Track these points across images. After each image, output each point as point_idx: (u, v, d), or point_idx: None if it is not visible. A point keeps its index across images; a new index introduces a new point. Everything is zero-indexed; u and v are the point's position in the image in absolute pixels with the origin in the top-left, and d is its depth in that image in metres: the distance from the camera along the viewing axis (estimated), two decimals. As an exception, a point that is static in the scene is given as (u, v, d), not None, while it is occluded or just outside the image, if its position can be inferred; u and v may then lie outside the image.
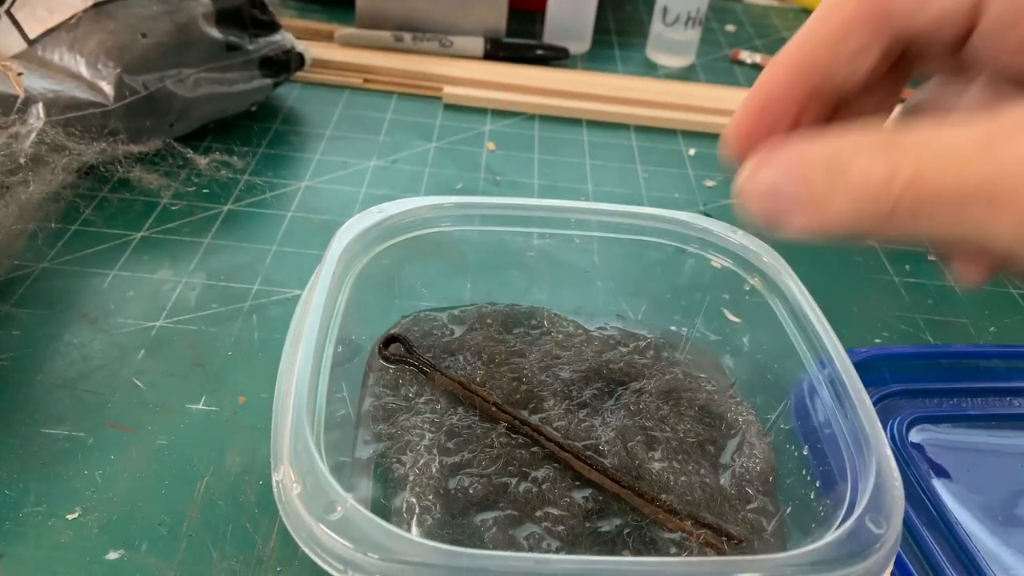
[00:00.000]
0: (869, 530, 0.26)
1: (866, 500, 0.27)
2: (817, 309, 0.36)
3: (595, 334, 0.42)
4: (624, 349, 0.41)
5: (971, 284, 0.24)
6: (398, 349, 0.39)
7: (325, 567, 0.25)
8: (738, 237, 0.39)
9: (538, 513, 0.32)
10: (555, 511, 0.33)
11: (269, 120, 0.63)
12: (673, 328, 0.43)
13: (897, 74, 0.24)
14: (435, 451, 0.34)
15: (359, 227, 0.38)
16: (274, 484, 0.27)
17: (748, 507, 0.34)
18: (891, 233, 0.19)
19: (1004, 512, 0.38)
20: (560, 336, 0.41)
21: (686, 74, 0.80)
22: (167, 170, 0.53)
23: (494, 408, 0.36)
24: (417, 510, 0.32)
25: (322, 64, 0.70)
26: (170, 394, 0.39)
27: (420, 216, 0.40)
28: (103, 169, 0.49)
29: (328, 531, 0.25)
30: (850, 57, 0.21)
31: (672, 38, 0.80)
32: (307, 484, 0.26)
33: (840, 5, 0.21)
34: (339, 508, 0.26)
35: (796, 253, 0.55)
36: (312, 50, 0.69)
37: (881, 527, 0.26)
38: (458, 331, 0.41)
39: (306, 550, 0.26)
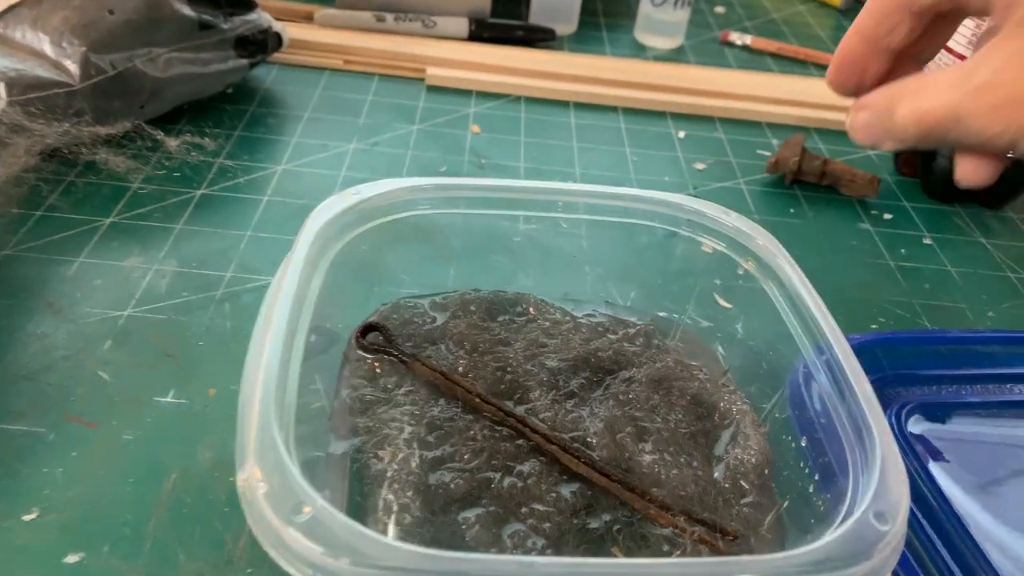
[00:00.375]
0: (874, 527, 0.25)
1: (870, 495, 0.26)
2: (814, 292, 0.34)
3: (583, 321, 0.40)
4: (613, 336, 0.39)
5: (975, 180, 0.34)
6: (376, 338, 0.37)
7: (293, 572, 0.23)
8: (731, 219, 0.38)
9: (523, 510, 0.31)
10: (541, 507, 0.31)
11: (246, 102, 0.61)
12: (663, 314, 0.42)
13: (938, 29, 0.35)
14: (415, 445, 0.32)
15: (333, 210, 0.36)
16: (239, 483, 0.25)
17: (743, 501, 0.32)
18: (925, 140, 0.32)
19: (1007, 503, 0.37)
20: (546, 323, 0.39)
21: (675, 56, 0.79)
22: (136, 153, 0.51)
23: (477, 399, 0.34)
24: (395, 508, 0.30)
25: (301, 45, 0.68)
26: (137, 386, 0.38)
27: (399, 199, 0.38)
28: (68, 152, 0.47)
29: (296, 533, 0.23)
30: (888, 30, 0.33)
31: (661, 19, 0.78)
32: (274, 483, 0.24)
33: (873, 2, 0.34)
34: (308, 508, 0.24)
35: (789, 236, 0.54)
36: (291, 31, 0.66)
37: (886, 524, 0.25)
38: (440, 319, 0.39)
39: (273, 554, 0.24)
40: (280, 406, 0.27)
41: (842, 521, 0.26)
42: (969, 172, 0.37)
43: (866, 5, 0.34)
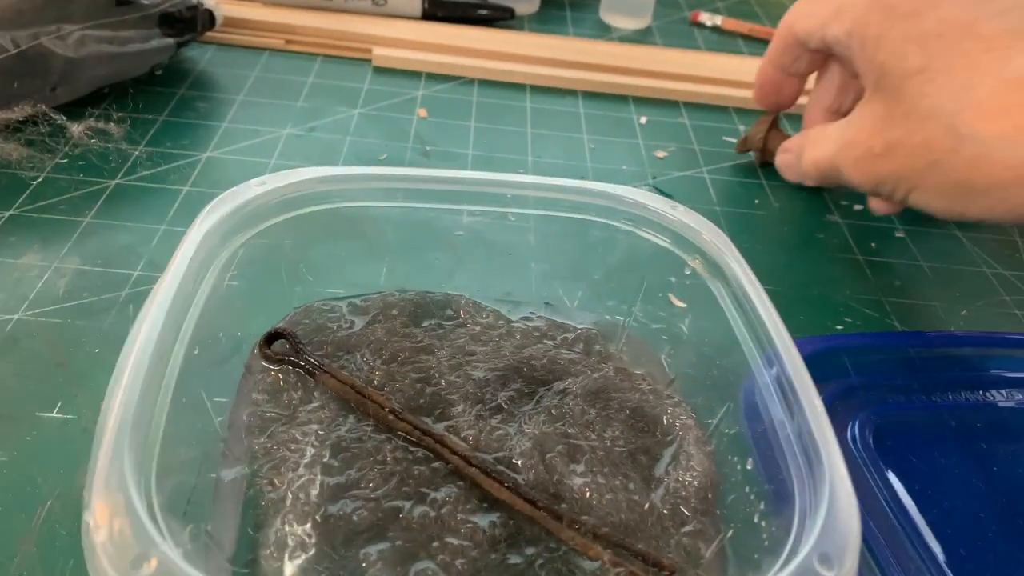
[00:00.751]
0: (817, 573, 0.22)
1: (816, 534, 0.22)
2: (764, 295, 0.31)
3: (518, 325, 0.37)
4: (549, 343, 0.36)
5: (882, 212, 0.44)
6: (283, 347, 0.33)
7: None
8: (677, 213, 0.34)
9: (434, 544, 0.27)
10: (455, 540, 0.27)
11: (175, 85, 0.57)
12: (608, 317, 0.38)
13: (847, 83, 0.44)
14: (316, 470, 0.29)
15: (233, 203, 0.32)
16: (82, 527, 0.21)
17: (683, 530, 0.29)
18: (825, 183, 0.41)
19: (976, 524, 0.33)
20: (477, 328, 0.36)
21: (642, 37, 0.75)
22: (34, 140, 0.47)
23: (391, 416, 0.31)
24: (289, 543, 0.27)
25: (241, 24, 0.64)
26: (18, 400, 0.34)
27: (314, 190, 0.35)
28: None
29: (136, 592, 0.20)
30: (792, 60, 0.43)
31: (627, -2, 0.75)
32: (115, 528, 0.21)
33: (777, 37, 0.44)
34: (153, 561, 0.20)
35: (752, 229, 0.50)
36: (228, 8, 0.62)
37: (832, 568, 0.22)
38: (358, 324, 0.36)
39: (113, 615, 0.20)
40: (141, 434, 0.24)
41: (785, 562, 0.23)
42: (875, 206, 0.45)
43: (773, 39, 0.41)
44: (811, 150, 0.39)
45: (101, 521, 0.21)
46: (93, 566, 0.21)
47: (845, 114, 0.41)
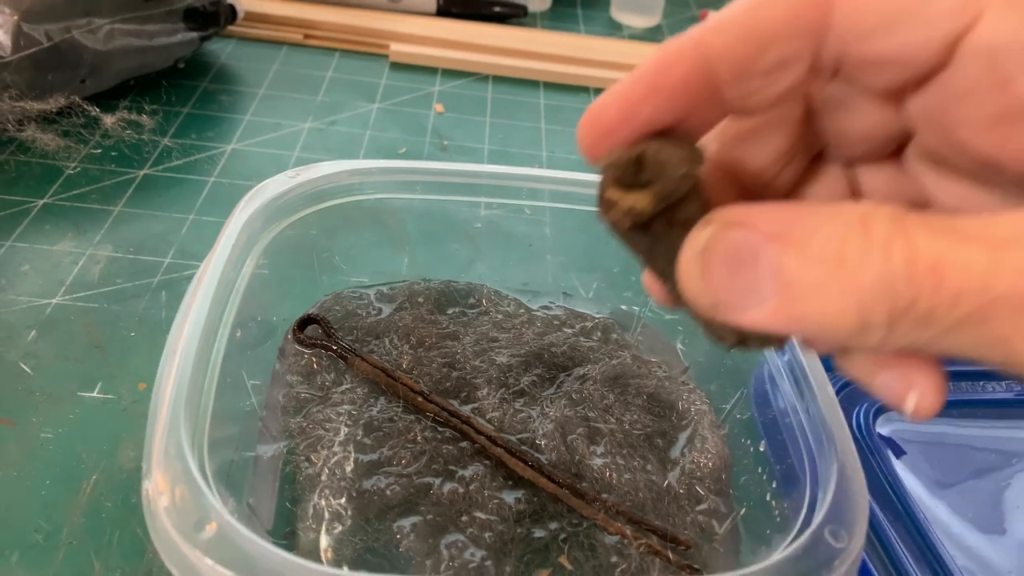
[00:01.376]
0: (828, 544, 0.23)
1: (826, 509, 0.24)
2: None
3: (538, 314, 0.38)
4: (569, 331, 0.37)
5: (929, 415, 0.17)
6: (315, 331, 0.35)
7: (195, 595, 0.21)
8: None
9: (463, 518, 0.29)
10: (482, 515, 0.29)
11: (198, 78, 0.58)
12: (624, 307, 0.40)
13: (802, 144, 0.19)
14: (350, 447, 0.30)
15: (269, 193, 0.34)
16: (143, 494, 0.23)
17: (698, 508, 0.30)
18: (887, 342, 0.14)
19: (975, 506, 0.35)
20: (499, 316, 0.37)
21: (652, 35, 0.76)
22: (69, 130, 0.48)
23: (420, 398, 0.32)
24: (326, 516, 0.28)
25: (260, 18, 0.65)
26: (61, 380, 0.35)
27: (343, 181, 0.36)
28: (-5, 128, 0.44)
29: (198, 552, 0.21)
30: (772, 64, 0.16)
31: (637, -4, 0.76)
32: (176, 494, 0.22)
33: (777, 2, 0.16)
34: (213, 524, 0.22)
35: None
36: (249, 3, 0.63)
37: (842, 541, 0.23)
38: (386, 310, 0.37)
39: (175, 573, 0.22)
40: (194, 408, 0.25)
41: (797, 535, 0.24)
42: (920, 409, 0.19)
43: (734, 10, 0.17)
44: (942, 242, 0.13)
45: (163, 488, 0.22)
46: (156, 529, 0.22)
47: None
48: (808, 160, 0.20)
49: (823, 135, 0.19)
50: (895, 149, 0.19)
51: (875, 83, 0.16)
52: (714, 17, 0.17)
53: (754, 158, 0.19)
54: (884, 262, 0.13)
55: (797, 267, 0.14)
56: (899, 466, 0.36)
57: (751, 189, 0.20)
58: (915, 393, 0.17)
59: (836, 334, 0.14)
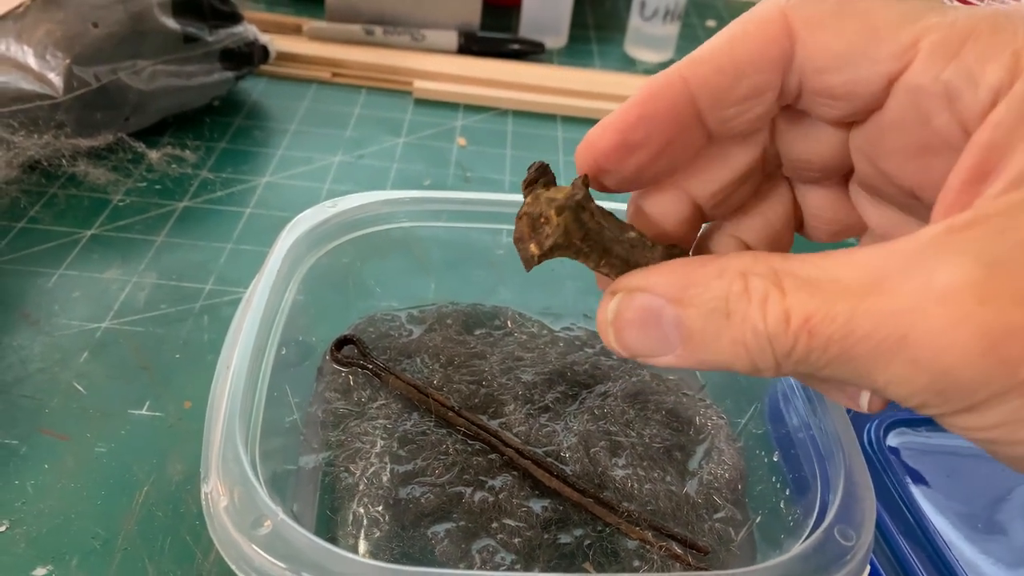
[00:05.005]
0: (838, 542, 0.25)
1: (835, 510, 0.26)
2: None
3: (560, 335, 0.40)
4: (590, 350, 0.39)
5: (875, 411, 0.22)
6: (351, 351, 0.37)
7: (253, 586, 0.23)
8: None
9: (494, 524, 0.31)
10: (512, 522, 0.31)
11: (232, 114, 0.61)
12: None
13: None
14: (386, 459, 0.32)
15: (310, 222, 0.36)
16: (202, 497, 0.25)
17: (716, 516, 0.32)
18: (778, 375, 0.17)
19: (984, 519, 0.36)
20: (523, 337, 0.39)
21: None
22: (118, 165, 0.51)
23: (451, 413, 0.34)
24: (365, 522, 0.30)
25: (290, 58, 0.68)
26: (112, 399, 0.37)
27: (377, 211, 0.38)
28: (49, 164, 0.47)
29: (256, 548, 0.23)
30: (746, 93, 0.18)
31: (650, 33, 0.79)
32: (235, 496, 0.24)
33: (749, 34, 0.18)
34: (268, 523, 0.24)
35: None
36: (279, 43, 0.67)
37: (850, 539, 0.25)
38: (416, 332, 0.39)
39: (234, 568, 0.24)
40: (246, 420, 0.27)
41: (808, 536, 0.26)
42: (872, 406, 0.24)
43: (724, 38, 0.19)
44: (809, 297, 0.16)
45: (222, 491, 0.24)
46: (215, 528, 0.24)
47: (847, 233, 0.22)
48: (762, 178, 0.22)
49: (781, 158, 0.21)
50: (842, 177, 0.22)
51: (828, 115, 0.19)
52: (695, 52, 0.19)
53: (715, 180, 0.21)
54: (762, 320, 0.16)
55: (693, 322, 0.17)
56: (909, 480, 0.37)
57: (707, 207, 0.22)
58: (866, 393, 0.20)
59: (736, 370, 0.17)
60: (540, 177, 0.21)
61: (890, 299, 0.15)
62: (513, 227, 0.21)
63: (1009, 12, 0.16)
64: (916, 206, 0.19)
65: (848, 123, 0.19)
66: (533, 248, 0.20)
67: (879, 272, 0.15)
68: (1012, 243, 0.14)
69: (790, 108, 0.19)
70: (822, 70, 0.18)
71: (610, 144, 0.20)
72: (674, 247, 0.21)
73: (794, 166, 0.22)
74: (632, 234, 0.20)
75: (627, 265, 0.20)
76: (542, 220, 0.20)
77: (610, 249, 0.20)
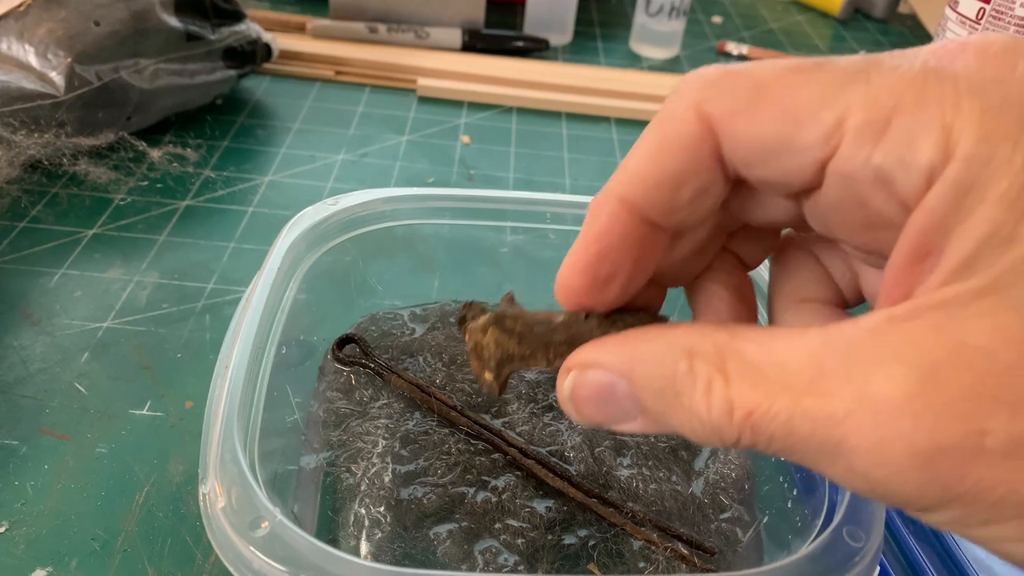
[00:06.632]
0: (846, 543, 0.24)
1: (843, 510, 0.25)
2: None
3: (564, 333, 0.40)
4: (594, 348, 0.39)
5: None
6: (353, 350, 0.36)
7: (251, 589, 0.23)
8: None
9: (496, 525, 0.30)
10: (515, 523, 0.30)
11: (235, 113, 0.61)
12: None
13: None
14: (388, 459, 0.32)
15: (311, 220, 0.36)
16: (200, 497, 0.25)
17: (722, 516, 0.32)
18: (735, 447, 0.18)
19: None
20: (527, 335, 0.39)
21: (670, 66, 0.78)
22: (120, 164, 0.51)
23: (453, 412, 0.34)
24: (366, 523, 0.30)
25: (293, 56, 0.68)
26: (113, 399, 0.37)
27: (379, 209, 0.38)
28: (50, 164, 0.47)
29: (254, 550, 0.23)
30: (691, 197, 0.18)
31: (656, 29, 0.78)
32: (232, 497, 0.24)
33: (661, 142, 0.18)
34: (265, 524, 0.23)
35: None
36: (283, 41, 0.66)
37: (859, 540, 0.24)
38: (419, 330, 0.39)
39: (232, 569, 0.23)
40: (245, 420, 0.27)
41: (816, 537, 0.25)
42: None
43: (647, 146, 0.18)
44: (751, 389, 0.16)
45: (219, 491, 0.24)
46: (213, 529, 0.24)
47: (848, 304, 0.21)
48: (721, 244, 0.22)
49: (737, 223, 0.21)
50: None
51: (772, 192, 0.19)
52: (623, 168, 0.19)
53: (676, 253, 0.21)
54: (706, 410, 0.16)
55: (644, 399, 0.18)
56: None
57: (667, 275, 0.22)
58: None
59: (694, 440, 0.17)
60: (467, 312, 0.21)
61: (828, 402, 0.15)
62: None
63: (937, 73, 0.15)
64: (878, 259, 0.19)
65: (795, 196, 0.19)
66: (487, 376, 0.21)
67: (820, 365, 0.15)
68: (948, 347, 0.14)
69: (741, 181, 0.19)
70: (749, 164, 0.17)
71: (583, 286, 0.19)
72: (612, 312, 0.20)
73: (748, 230, 0.22)
74: (561, 318, 0.20)
75: (572, 347, 0.20)
76: (481, 348, 0.21)
77: (549, 341, 0.20)
